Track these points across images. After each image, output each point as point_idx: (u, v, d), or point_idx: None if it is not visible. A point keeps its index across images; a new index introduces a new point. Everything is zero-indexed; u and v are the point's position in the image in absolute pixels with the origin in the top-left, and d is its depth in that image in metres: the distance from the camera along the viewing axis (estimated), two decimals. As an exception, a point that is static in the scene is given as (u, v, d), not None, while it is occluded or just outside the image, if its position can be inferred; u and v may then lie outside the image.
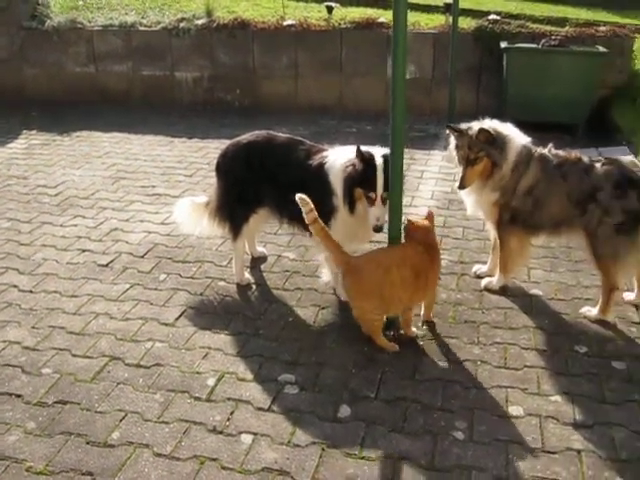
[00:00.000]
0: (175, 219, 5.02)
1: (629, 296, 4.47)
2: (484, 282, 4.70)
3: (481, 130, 4.26)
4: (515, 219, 4.42)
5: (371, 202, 4.03)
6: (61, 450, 3.18)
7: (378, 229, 4.05)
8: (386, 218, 4.04)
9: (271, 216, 4.75)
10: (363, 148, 4.10)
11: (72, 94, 10.39)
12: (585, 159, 4.25)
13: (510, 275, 4.64)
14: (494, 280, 4.66)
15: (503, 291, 4.61)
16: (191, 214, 4.86)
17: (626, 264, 4.17)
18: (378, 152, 4.08)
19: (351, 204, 4.13)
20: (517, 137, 4.39)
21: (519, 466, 3.08)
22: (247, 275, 4.84)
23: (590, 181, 4.14)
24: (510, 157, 4.28)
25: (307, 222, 3.83)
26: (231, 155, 4.65)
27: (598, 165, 4.17)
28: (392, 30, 3.53)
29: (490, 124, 4.38)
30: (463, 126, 4.41)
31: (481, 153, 4.28)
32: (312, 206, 3.78)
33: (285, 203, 4.48)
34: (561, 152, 4.37)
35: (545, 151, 4.37)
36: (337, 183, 4.17)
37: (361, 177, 4.02)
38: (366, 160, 4.00)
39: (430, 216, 4.08)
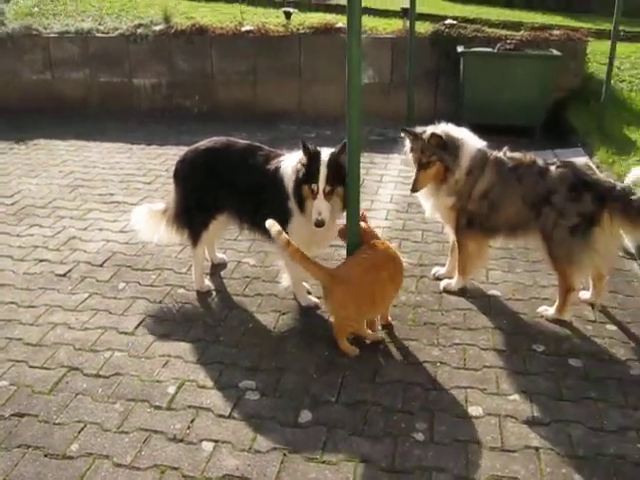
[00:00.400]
0: (133, 226, 4.97)
1: (584, 295, 4.54)
2: (443, 284, 4.74)
3: (433, 134, 4.30)
4: (472, 222, 4.44)
5: (314, 196, 4.03)
6: (18, 464, 3.13)
7: (319, 223, 3.99)
8: (327, 214, 4.01)
9: (231, 222, 4.73)
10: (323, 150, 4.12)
11: (28, 102, 10.25)
12: (540, 162, 4.28)
13: (468, 277, 4.70)
14: (453, 282, 4.71)
15: (462, 292, 4.67)
16: (148, 221, 4.82)
17: (581, 265, 4.22)
18: (328, 151, 4.09)
19: (300, 203, 4.13)
20: (471, 141, 4.42)
21: (479, 466, 3.11)
22: (207, 282, 4.82)
23: (545, 184, 4.18)
24: (463, 162, 4.32)
25: (280, 247, 3.87)
26: (189, 161, 4.62)
27: (553, 168, 4.21)
28: (347, 34, 3.55)
29: (444, 128, 4.41)
30: (418, 130, 4.45)
31: (433, 157, 4.32)
32: (281, 229, 3.80)
33: (245, 209, 4.50)
34: (516, 155, 4.40)
35: (500, 154, 4.39)
36: (290, 186, 4.18)
37: (306, 171, 4.03)
38: (311, 154, 4.01)
39: (363, 217, 4.09)
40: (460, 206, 4.41)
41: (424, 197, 4.61)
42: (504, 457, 3.16)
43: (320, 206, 4.00)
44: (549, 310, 4.39)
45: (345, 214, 4.05)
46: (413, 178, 4.43)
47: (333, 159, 3.98)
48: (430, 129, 4.39)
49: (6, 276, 4.97)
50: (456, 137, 4.36)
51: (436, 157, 4.31)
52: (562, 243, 4.17)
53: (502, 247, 5.28)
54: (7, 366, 3.87)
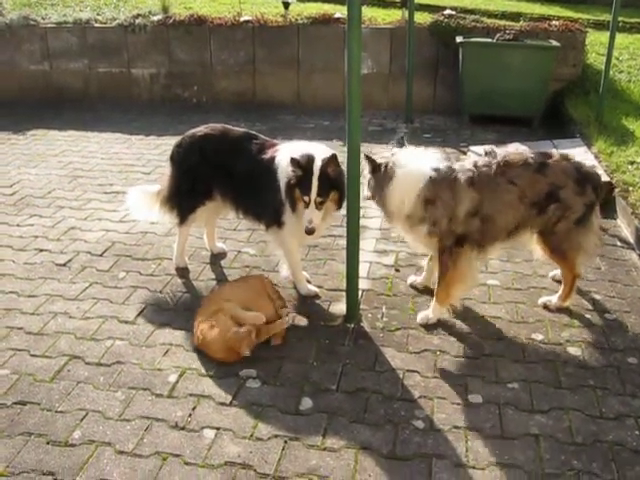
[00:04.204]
0: (127, 207, 5.03)
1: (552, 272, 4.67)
2: (420, 318, 4.24)
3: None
4: (462, 241, 4.06)
5: (305, 205, 4.08)
6: (21, 451, 3.15)
7: (309, 231, 4.04)
8: (317, 222, 4.06)
9: (224, 209, 4.80)
10: (308, 149, 4.13)
11: (26, 92, 10.24)
12: (530, 160, 4.03)
13: (452, 301, 4.27)
14: (430, 314, 4.24)
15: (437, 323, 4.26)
16: (143, 202, 4.91)
17: (588, 251, 4.24)
18: (320, 154, 4.07)
19: (292, 203, 4.17)
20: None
21: (478, 452, 3.14)
22: (186, 260, 4.96)
23: (547, 180, 4.00)
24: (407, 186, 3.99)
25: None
26: (186, 146, 4.68)
27: (551, 162, 4.04)
28: (347, 25, 3.55)
29: (399, 156, 4.10)
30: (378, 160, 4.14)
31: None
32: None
33: (239, 196, 4.54)
34: (505, 155, 4.07)
35: (469, 168, 4.03)
36: (283, 180, 4.20)
37: (297, 181, 4.06)
38: (303, 166, 4.01)
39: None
40: (440, 230, 4.03)
41: (403, 230, 4.28)
42: (503, 444, 3.19)
43: (311, 215, 4.05)
44: (552, 300, 4.39)
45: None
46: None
47: (324, 172, 3.99)
48: (395, 153, 4.18)
49: (6, 266, 4.97)
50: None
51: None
52: (566, 235, 4.11)
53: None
54: (8, 355, 3.88)
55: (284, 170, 4.18)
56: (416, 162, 4.03)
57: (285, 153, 4.23)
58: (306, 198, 4.04)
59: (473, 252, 4.12)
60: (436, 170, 3.96)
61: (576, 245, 4.17)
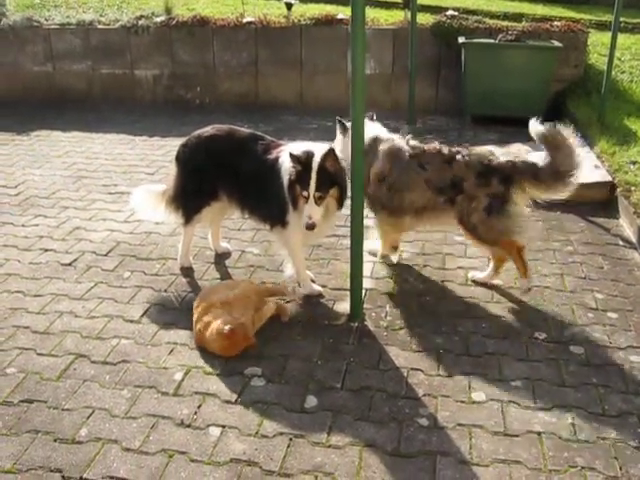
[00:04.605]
0: (133, 207, 5.06)
1: (478, 275, 4.79)
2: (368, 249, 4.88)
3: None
4: (374, 204, 4.75)
5: (305, 201, 4.11)
6: (28, 448, 3.17)
7: (309, 227, 4.09)
8: (317, 218, 4.10)
9: (229, 209, 4.83)
10: (306, 147, 4.16)
11: (30, 93, 10.28)
12: (445, 150, 4.54)
13: (387, 247, 5.00)
14: (375, 247, 5.07)
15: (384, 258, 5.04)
16: (148, 201, 4.94)
17: (511, 233, 4.45)
18: (320, 150, 4.11)
19: (293, 200, 4.20)
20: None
21: (482, 450, 3.16)
22: (190, 259, 4.99)
23: (452, 171, 4.46)
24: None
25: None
26: (192, 146, 4.72)
27: (459, 157, 4.47)
28: (350, 25, 3.58)
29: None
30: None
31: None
32: None
33: (244, 196, 4.57)
34: (419, 144, 4.71)
35: (399, 143, 4.69)
36: (286, 178, 4.23)
37: (297, 177, 4.10)
38: (302, 162, 4.05)
39: None
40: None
41: None
42: (507, 441, 3.21)
43: (310, 210, 4.08)
44: (477, 275, 4.73)
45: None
46: None
47: (322, 166, 4.03)
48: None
49: (12, 266, 5.00)
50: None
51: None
52: (482, 224, 4.44)
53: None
54: (15, 353, 3.91)
55: (287, 169, 4.21)
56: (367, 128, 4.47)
57: (288, 153, 4.26)
58: (305, 193, 4.07)
59: (390, 218, 4.76)
60: (374, 137, 4.68)
61: (493, 233, 4.45)
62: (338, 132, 4.91)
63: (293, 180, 4.12)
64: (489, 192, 4.37)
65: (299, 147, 4.26)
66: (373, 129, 4.77)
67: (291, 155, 4.06)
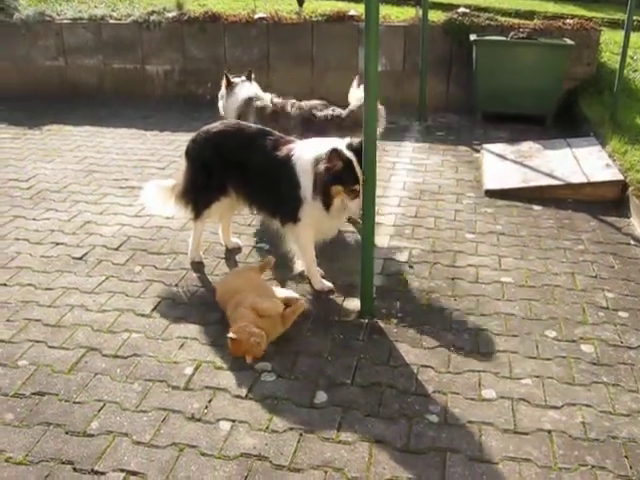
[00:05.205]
0: (143, 202, 5.07)
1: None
2: None
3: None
4: None
5: (354, 196, 4.09)
6: (40, 440, 3.19)
7: (356, 220, 4.20)
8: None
9: (238, 205, 4.84)
10: (333, 145, 4.13)
11: (42, 88, 10.29)
12: (288, 108, 5.65)
13: None
14: None
15: None
16: (158, 196, 4.95)
17: None
18: (341, 144, 4.11)
19: (328, 201, 4.15)
20: (243, 92, 5.92)
21: (492, 447, 3.16)
22: (200, 254, 5.00)
23: (289, 121, 5.53)
24: (232, 106, 5.91)
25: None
26: (201, 141, 4.74)
27: (293, 110, 5.61)
28: (364, 23, 3.58)
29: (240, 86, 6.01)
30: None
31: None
32: None
33: (253, 192, 4.58)
34: (279, 101, 5.78)
35: (264, 101, 5.79)
36: (305, 177, 4.22)
37: (342, 175, 4.05)
38: (344, 159, 4.02)
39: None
40: None
41: None
42: (517, 439, 3.21)
43: (360, 203, 4.05)
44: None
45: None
46: None
47: (359, 159, 3.98)
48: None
49: (24, 259, 5.03)
50: (234, 86, 6.01)
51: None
52: None
53: (515, 235, 5.36)
54: (27, 346, 3.93)
55: (303, 167, 4.20)
56: (244, 89, 5.97)
57: (302, 150, 4.26)
58: (356, 187, 4.05)
59: None
60: (249, 97, 5.85)
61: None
62: (223, 86, 6.04)
63: (335, 177, 4.06)
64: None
65: (311, 144, 4.27)
66: (249, 90, 5.92)
67: (333, 151, 4.00)
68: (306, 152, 4.26)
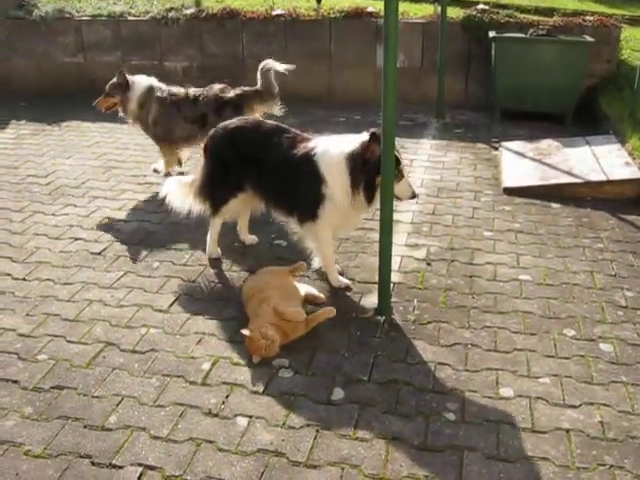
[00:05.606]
0: (164, 197, 5.06)
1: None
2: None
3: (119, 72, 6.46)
4: (157, 138, 6.62)
5: (399, 178, 4.13)
6: (59, 434, 3.21)
7: (415, 194, 4.35)
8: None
9: (255, 201, 4.83)
10: (348, 139, 4.16)
11: (61, 84, 10.35)
12: (190, 95, 6.32)
13: (171, 165, 6.74)
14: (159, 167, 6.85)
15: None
16: (178, 191, 4.97)
17: None
18: (366, 136, 4.09)
19: (372, 194, 4.11)
20: (143, 82, 6.45)
21: (509, 445, 3.15)
22: (218, 250, 5.03)
23: (198, 109, 6.24)
24: (133, 97, 6.39)
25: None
26: (218, 137, 4.75)
27: (200, 98, 6.24)
28: (383, 20, 3.57)
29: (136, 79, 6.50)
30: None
31: (114, 91, 6.46)
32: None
33: (270, 188, 4.57)
34: (175, 91, 6.41)
35: (161, 93, 6.38)
36: (332, 173, 4.19)
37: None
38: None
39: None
40: (144, 127, 6.60)
41: None
42: (534, 438, 3.19)
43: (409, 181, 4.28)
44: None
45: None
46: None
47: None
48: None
49: (43, 254, 5.06)
50: (132, 80, 6.43)
51: (117, 91, 6.45)
52: None
53: (533, 233, 5.34)
54: (46, 340, 3.96)
55: (330, 162, 4.18)
56: (144, 81, 6.51)
57: (325, 147, 4.24)
58: (400, 168, 4.12)
59: (169, 147, 6.64)
60: (148, 87, 6.42)
61: None
62: (116, 81, 6.43)
63: (377, 169, 3.98)
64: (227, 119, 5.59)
65: (332, 140, 4.27)
66: (147, 81, 6.46)
67: (373, 139, 3.95)
68: (331, 148, 4.24)
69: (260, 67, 6.28)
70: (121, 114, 6.70)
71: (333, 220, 4.34)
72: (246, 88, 6.31)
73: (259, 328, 3.74)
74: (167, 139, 6.54)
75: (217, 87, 6.38)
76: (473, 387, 3.55)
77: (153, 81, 6.54)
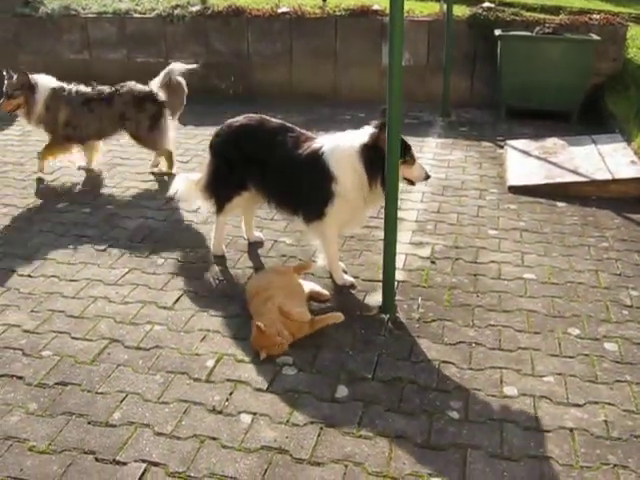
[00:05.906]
0: (173, 193, 5.09)
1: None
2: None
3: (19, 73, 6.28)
4: (68, 138, 6.57)
5: (411, 163, 4.25)
6: (63, 430, 3.22)
7: (429, 174, 4.44)
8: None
9: (259, 199, 4.82)
10: (367, 129, 4.21)
11: (66, 81, 10.31)
12: (105, 93, 6.49)
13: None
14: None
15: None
16: (186, 189, 5.00)
17: (165, 143, 6.66)
18: (371, 128, 4.20)
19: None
20: (48, 84, 6.41)
21: (513, 444, 3.14)
22: (223, 247, 5.03)
23: (116, 109, 6.43)
24: (40, 99, 6.31)
25: None
26: (223, 135, 4.76)
27: (116, 96, 6.42)
28: (388, 18, 3.57)
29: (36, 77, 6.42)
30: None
31: (17, 92, 6.26)
32: None
33: (272, 188, 4.57)
34: (84, 90, 6.53)
35: (69, 94, 6.42)
36: (343, 169, 4.18)
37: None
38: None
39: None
40: (49, 130, 6.52)
41: None
42: (538, 436, 3.19)
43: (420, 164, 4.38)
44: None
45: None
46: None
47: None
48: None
49: (48, 250, 5.07)
50: (37, 81, 6.35)
51: (20, 92, 6.28)
52: (148, 138, 6.58)
53: (538, 232, 5.33)
54: (50, 337, 3.97)
55: (340, 158, 4.17)
56: (47, 82, 6.48)
57: (333, 145, 4.24)
58: (412, 153, 4.28)
59: (74, 142, 6.69)
60: (54, 88, 6.42)
61: (155, 143, 6.64)
62: (16, 81, 6.29)
63: None
64: (149, 114, 6.43)
65: (338, 138, 4.26)
66: (51, 81, 6.45)
67: (382, 127, 3.96)
68: (340, 144, 4.24)
69: (167, 70, 6.81)
70: (20, 117, 6.67)
71: (341, 217, 4.33)
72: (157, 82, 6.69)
73: (273, 324, 3.75)
74: (80, 138, 6.62)
75: (131, 83, 6.63)
76: (477, 385, 3.55)
77: (56, 81, 6.56)
